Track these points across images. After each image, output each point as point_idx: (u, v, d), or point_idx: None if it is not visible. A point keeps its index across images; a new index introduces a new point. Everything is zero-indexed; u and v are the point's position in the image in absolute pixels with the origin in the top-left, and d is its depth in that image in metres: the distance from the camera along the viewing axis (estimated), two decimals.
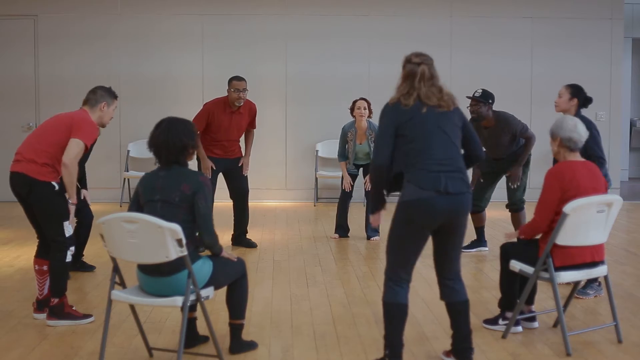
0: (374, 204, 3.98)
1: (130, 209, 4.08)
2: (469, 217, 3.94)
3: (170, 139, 4.00)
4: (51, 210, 4.83)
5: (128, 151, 10.89)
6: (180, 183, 3.97)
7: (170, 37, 11.02)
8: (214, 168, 7.17)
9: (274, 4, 11.12)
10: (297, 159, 11.24)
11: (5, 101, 10.96)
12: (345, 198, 7.88)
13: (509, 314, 4.66)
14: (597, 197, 4.33)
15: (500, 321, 4.69)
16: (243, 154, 7.46)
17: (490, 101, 6.71)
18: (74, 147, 4.75)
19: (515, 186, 6.82)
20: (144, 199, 4.04)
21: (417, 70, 3.83)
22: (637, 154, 14.53)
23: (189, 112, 10.84)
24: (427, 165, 3.76)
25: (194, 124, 4.17)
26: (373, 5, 11.15)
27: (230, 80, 7.18)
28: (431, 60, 3.89)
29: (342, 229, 7.96)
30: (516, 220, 6.96)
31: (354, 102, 7.77)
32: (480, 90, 6.73)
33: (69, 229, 4.87)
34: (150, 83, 10.99)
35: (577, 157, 4.47)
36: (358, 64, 11.10)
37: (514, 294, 4.67)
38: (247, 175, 7.43)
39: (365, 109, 7.63)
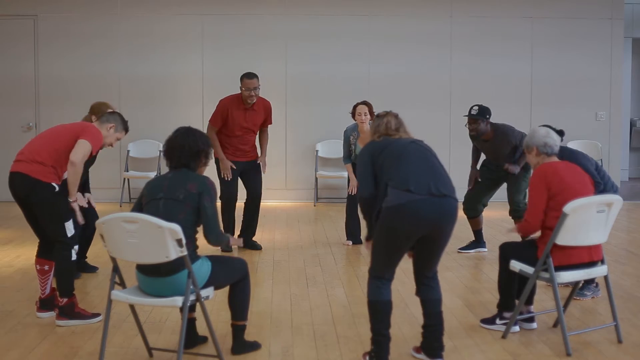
0: (368, 232, 4.10)
1: (133, 211, 4.09)
2: (456, 223, 3.94)
3: (187, 142, 4.12)
4: (53, 211, 4.83)
5: (128, 151, 10.88)
6: (186, 182, 4.03)
7: (170, 37, 11.03)
8: (234, 167, 7.17)
9: (274, 4, 11.13)
10: (297, 159, 11.24)
11: (5, 101, 10.98)
12: (353, 202, 7.49)
13: (506, 314, 4.66)
14: (597, 197, 4.33)
15: (498, 321, 4.69)
16: (259, 156, 7.44)
17: (487, 116, 6.61)
18: (82, 147, 4.80)
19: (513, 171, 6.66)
20: (147, 199, 4.07)
21: (383, 120, 4.09)
22: (637, 154, 14.53)
23: (189, 112, 10.94)
24: (409, 169, 3.83)
25: (209, 138, 4.28)
26: (373, 5, 11.15)
27: (242, 78, 7.13)
28: (396, 113, 4.15)
29: (354, 235, 7.63)
30: None
31: (355, 107, 7.37)
32: (477, 107, 6.61)
33: (71, 228, 4.88)
34: (150, 83, 10.98)
35: (555, 160, 4.54)
36: (358, 64, 11.10)
37: (512, 294, 4.68)
38: (261, 180, 7.39)
39: (366, 114, 7.20)
